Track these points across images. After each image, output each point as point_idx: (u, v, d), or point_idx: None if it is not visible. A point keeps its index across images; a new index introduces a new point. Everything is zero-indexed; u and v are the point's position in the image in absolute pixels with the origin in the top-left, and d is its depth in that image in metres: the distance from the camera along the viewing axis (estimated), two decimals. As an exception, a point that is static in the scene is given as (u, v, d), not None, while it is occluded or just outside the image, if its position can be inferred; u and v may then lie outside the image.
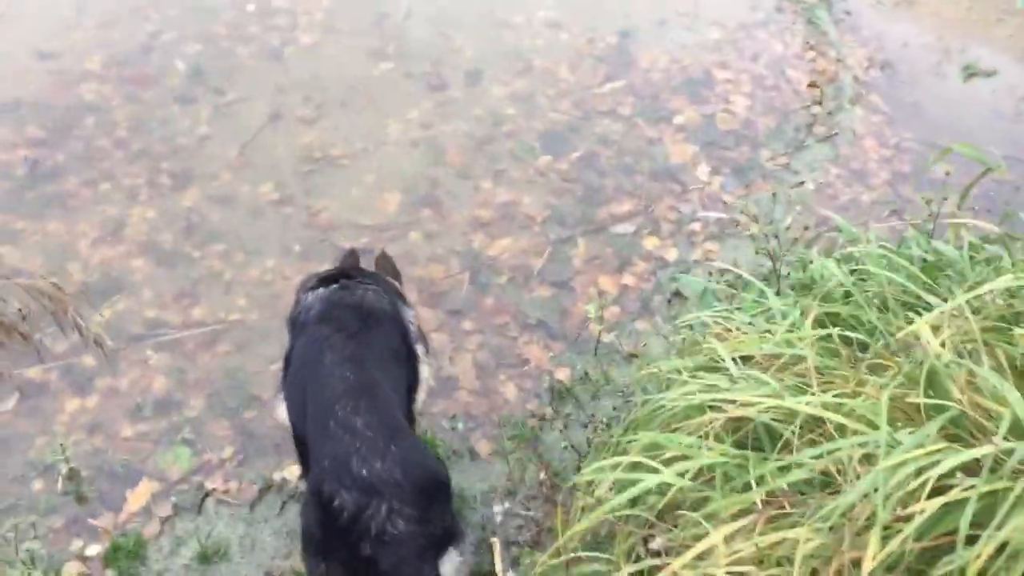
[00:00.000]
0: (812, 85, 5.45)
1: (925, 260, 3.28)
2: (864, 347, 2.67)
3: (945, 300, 2.77)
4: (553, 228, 4.67)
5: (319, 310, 2.89)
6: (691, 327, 2.86)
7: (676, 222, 4.67)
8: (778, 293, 3.26)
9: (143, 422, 3.84)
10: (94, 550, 3.40)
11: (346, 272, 3.07)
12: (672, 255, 4.49)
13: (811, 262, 3.43)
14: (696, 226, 4.63)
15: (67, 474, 3.60)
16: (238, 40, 5.90)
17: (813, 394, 2.05)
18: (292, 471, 3.62)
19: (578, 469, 3.51)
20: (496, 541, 3.36)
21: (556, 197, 4.83)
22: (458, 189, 4.91)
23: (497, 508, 3.50)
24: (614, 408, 3.75)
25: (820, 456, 1.83)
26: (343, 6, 6.23)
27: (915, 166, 4.94)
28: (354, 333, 2.75)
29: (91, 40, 5.80)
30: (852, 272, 3.24)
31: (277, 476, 3.63)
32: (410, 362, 2.98)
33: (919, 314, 2.83)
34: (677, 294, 4.28)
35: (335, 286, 2.96)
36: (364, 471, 2.38)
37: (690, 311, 4.15)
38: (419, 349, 3.04)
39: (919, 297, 2.92)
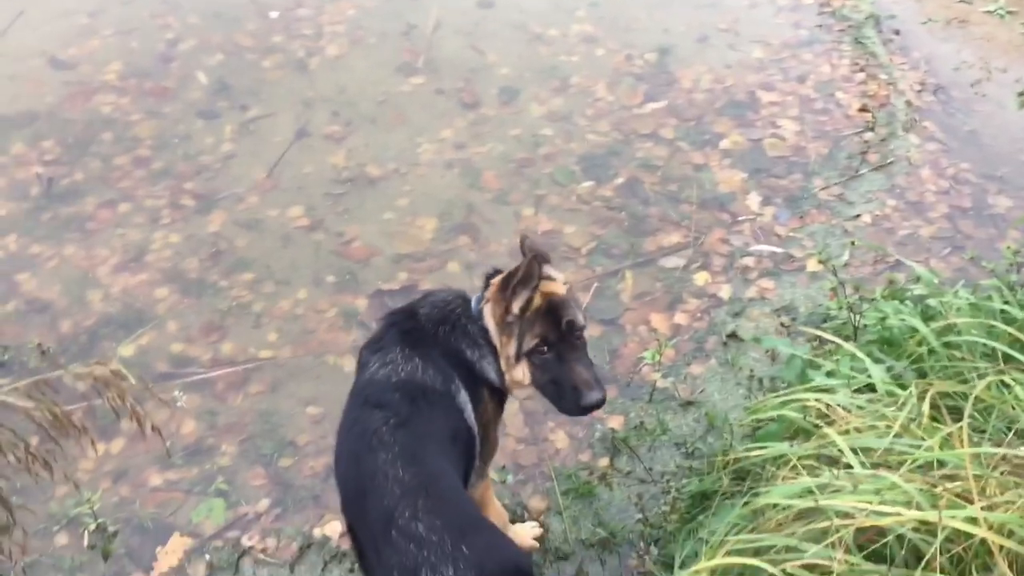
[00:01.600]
0: (863, 110, 5.23)
1: (1004, 312, 3.09)
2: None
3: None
4: (599, 260, 4.45)
5: (368, 390, 2.61)
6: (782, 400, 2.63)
7: (728, 256, 4.45)
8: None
9: (173, 470, 3.61)
10: (124, 614, 3.19)
11: (409, 333, 2.77)
12: (725, 292, 4.27)
13: (887, 315, 3.24)
14: (749, 261, 4.41)
15: (93, 528, 3.37)
16: (262, 51, 5.67)
17: (964, 506, 1.84)
18: (334, 528, 3.40)
19: (641, 536, 3.32)
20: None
21: (600, 226, 4.61)
22: (496, 215, 4.68)
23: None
24: (675, 464, 3.54)
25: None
26: (369, 16, 6.00)
27: (975, 200, 4.72)
28: (404, 420, 2.49)
29: (109, 49, 5.58)
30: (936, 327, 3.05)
31: (317, 532, 3.41)
32: (470, 440, 2.73)
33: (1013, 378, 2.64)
34: (733, 335, 4.06)
35: (389, 358, 2.68)
36: None
37: (747, 355, 3.98)
38: (477, 432, 2.77)
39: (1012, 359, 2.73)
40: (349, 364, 3.97)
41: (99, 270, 4.34)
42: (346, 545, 3.36)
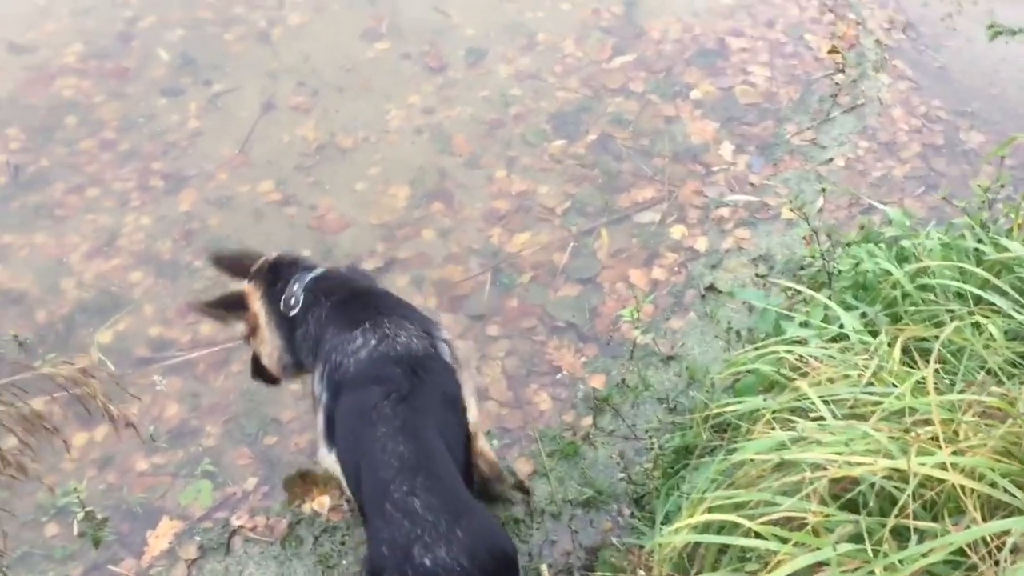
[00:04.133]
0: (833, 51, 5.19)
1: (978, 251, 3.09)
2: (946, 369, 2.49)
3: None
4: (574, 219, 4.43)
5: (362, 369, 2.62)
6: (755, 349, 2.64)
7: (703, 208, 4.44)
8: (829, 297, 3.07)
9: (158, 454, 3.62)
10: (118, 600, 3.21)
11: (378, 312, 2.79)
12: (702, 244, 4.27)
13: (860, 259, 3.24)
14: (725, 211, 4.40)
15: (82, 516, 3.38)
16: (223, 23, 5.57)
17: (935, 452, 1.85)
18: (322, 502, 3.42)
19: (626, 494, 3.36)
20: (545, 568, 3.20)
21: (574, 185, 4.58)
22: (469, 180, 4.65)
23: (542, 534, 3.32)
24: (658, 419, 3.57)
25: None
26: (331, -19, 5.89)
27: (947, 137, 4.72)
28: (405, 395, 2.51)
29: (66, 31, 5.46)
30: (910, 270, 3.05)
31: (307, 508, 3.42)
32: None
33: (986, 317, 2.65)
34: (711, 288, 4.06)
35: (373, 338, 2.68)
36: (427, 560, 2.18)
37: (725, 307, 3.99)
38: (465, 392, 2.80)
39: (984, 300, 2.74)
40: (329, 338, 3.97)
41: (71, 257, 4.30)
42: (336, 518, 3.39)
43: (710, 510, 2.15)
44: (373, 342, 2.65)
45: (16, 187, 4.63)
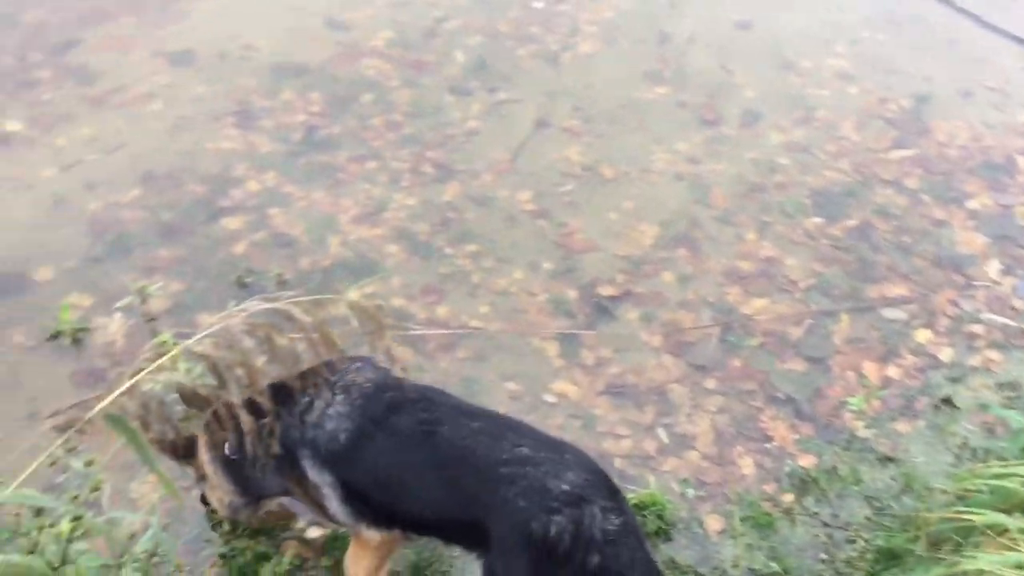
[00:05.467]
0: None
1: None
2: None
3: None
4: (816, 298, 4.37)
5: (360, 422, 2.58)
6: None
7: (955, 319, 4.26)
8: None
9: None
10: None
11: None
12: (946, 355, 4.10)
13: None
14: (978, 328, 4.21)
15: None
16: (518, 38, 5.88)
17: None
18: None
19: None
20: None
21: (823, 264, 4.52)
22: (719, 234, 4.68)
23: (719, 593, 3.28)
24: (864, 518, 3.44)
25: None
26: (626, 19, 6.10)
27: None
28: (428, 397, 2.68)
29: (380, 17, 5.93)
30: None
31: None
32: None
33: None
34: (948, 400, 3.89)
35: (337, 393, 2.65)
36: (564, 486, 2.36)
37: (959, 423, 3.81)
38: None
39: None
40: (552, 349, 4.11)
41: (341, 217, 4.66)
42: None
43: (926, 612, 2.08)
44: (341, 397, 2.63)
45: (308, 145, 5.07)
